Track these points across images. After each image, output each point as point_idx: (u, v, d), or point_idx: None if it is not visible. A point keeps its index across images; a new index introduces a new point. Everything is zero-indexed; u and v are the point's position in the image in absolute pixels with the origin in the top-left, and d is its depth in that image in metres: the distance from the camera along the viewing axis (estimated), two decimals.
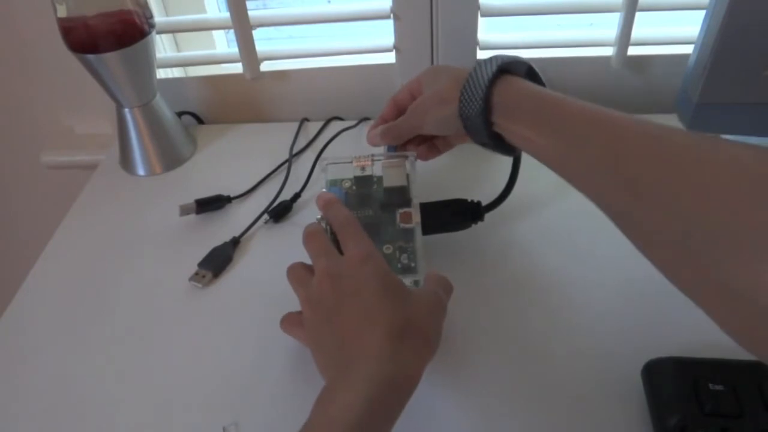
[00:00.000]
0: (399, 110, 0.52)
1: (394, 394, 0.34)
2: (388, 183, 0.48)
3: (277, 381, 0.44)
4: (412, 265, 0.44)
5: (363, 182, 0.48)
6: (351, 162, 0.49)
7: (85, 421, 0.43)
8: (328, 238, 0.42)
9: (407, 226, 0.46)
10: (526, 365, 0.43)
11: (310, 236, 0.42)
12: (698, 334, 0.44)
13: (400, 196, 0.47)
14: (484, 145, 0.45)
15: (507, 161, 0.50)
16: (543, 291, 0.48)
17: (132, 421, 0.43)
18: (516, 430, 0.40)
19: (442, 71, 0.48)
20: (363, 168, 0.48)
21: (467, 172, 0.60)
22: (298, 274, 0.42)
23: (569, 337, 0.45)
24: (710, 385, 0.37)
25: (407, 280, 0.43)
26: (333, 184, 0.49)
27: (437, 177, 0.58)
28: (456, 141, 0.53)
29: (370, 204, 0.47)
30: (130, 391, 0.44)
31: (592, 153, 0.35)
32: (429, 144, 0.53)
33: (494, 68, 0.41)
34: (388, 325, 0.35)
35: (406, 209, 0.46)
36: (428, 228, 0.48)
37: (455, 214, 0.51)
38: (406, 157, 0.49)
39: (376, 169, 0.49)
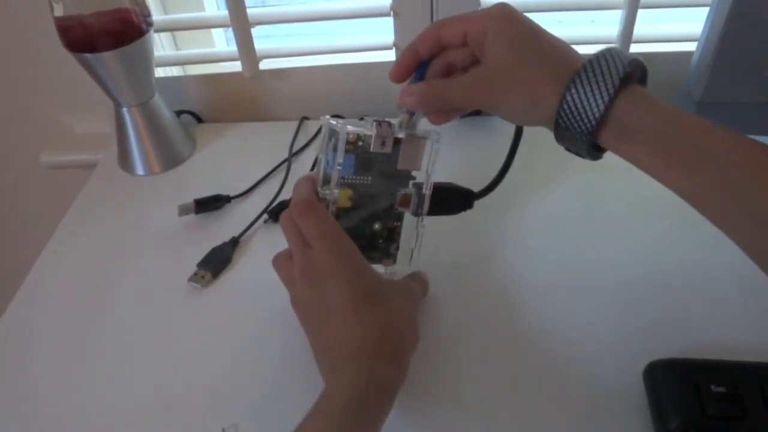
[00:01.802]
0: (440, 47, 0.40)
1: (377, 395, 0.36)
2: (403, 165, 0.43)
3: (276, 381, 0.44)
4: (392, 252, 0.44)
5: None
6: (371, 124, 0.41)
7: (85, 420, 0.43)
8: (297, 228, 0.40)
9: (405, 210, 0.44)
10: (525, 368, 0.43)
11: (283, 224, 0.42)
12: (700, 335, 0.43)
13: (410, 178, 0.44)
14: (570, 150, 0.38)
15: (504, 147, 0.46)
16: (542, 291, 0.48)
17: (131, 420, 0.43)
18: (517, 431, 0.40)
19: (530, 48, 0.36)
20: (384, 143, 0.41)
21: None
22: (284, 273, 0.42)
23: (570, 339, 0.44)
24: (712, 387, 0.37)
25: (380, 268, 0.44)
26: (348, 143, 0.41)
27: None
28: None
29: (373, 169, 0.43)
30: (129, 391, 0.44)
31: (740, 198, 0.31)
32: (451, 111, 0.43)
33: (616, 80, 0.33)
34: (362, 341, 0.37)
35: (407, 191, 0.43)
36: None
37: (444, 200, 0.47)
38: (429, 136, 0.42)
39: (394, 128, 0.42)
